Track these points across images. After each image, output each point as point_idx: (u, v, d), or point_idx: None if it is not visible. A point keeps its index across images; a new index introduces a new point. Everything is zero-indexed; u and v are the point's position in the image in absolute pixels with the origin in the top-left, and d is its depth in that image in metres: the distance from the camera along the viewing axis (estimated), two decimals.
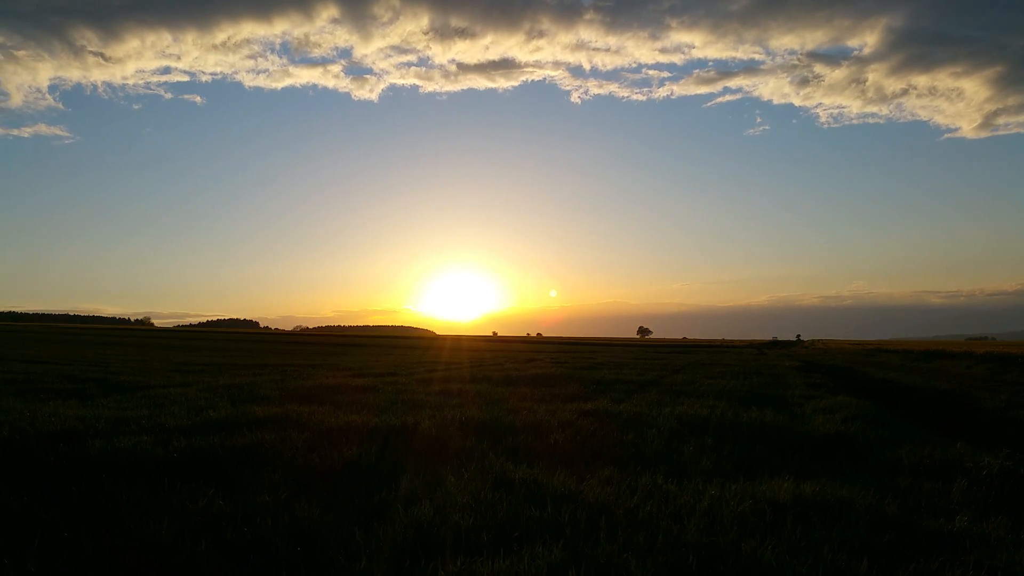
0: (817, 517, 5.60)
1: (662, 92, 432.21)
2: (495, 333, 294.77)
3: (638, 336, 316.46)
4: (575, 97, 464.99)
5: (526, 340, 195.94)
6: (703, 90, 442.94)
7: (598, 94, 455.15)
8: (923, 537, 5.34)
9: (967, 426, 13.53)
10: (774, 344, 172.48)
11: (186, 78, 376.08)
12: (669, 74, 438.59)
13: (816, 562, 4.55)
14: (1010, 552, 4.99)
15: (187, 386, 15.86)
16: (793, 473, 7.26)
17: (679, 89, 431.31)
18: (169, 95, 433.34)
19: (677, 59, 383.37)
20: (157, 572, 4.35)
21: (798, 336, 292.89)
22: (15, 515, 5.21)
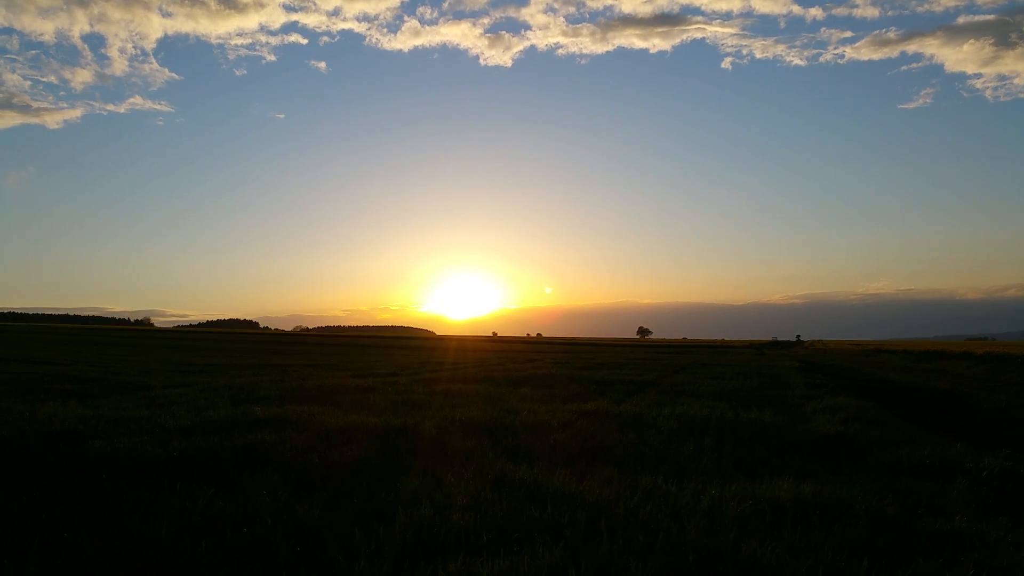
0: (817, 517, 5.60)
1: (830, 56, 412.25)
2: (495, 333, 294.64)
3: (638, 336, 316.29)
4: (726, 64, 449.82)
5: (526, 340, 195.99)
6: (877, 55, 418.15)
7: (760, 58, 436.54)
8: (923, 537, 5.34)
9: (967, 426, 13.52)
10: (774, 344, 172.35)
11: (304, 40, 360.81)
12: (851, 33, 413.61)
13: (816, 562, 4.55)
14: (1010, 552, 4.99)
15: (187, 386, 15.87)
16: (793, 473, 7.26)
17: (851, 52, 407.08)
18: (272, 57, 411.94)
19: (879, 12, 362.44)
20: (157, 572, 4.35)
21: (798, 336, 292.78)
22: (15, 515, 5.21)
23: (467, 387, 16.45)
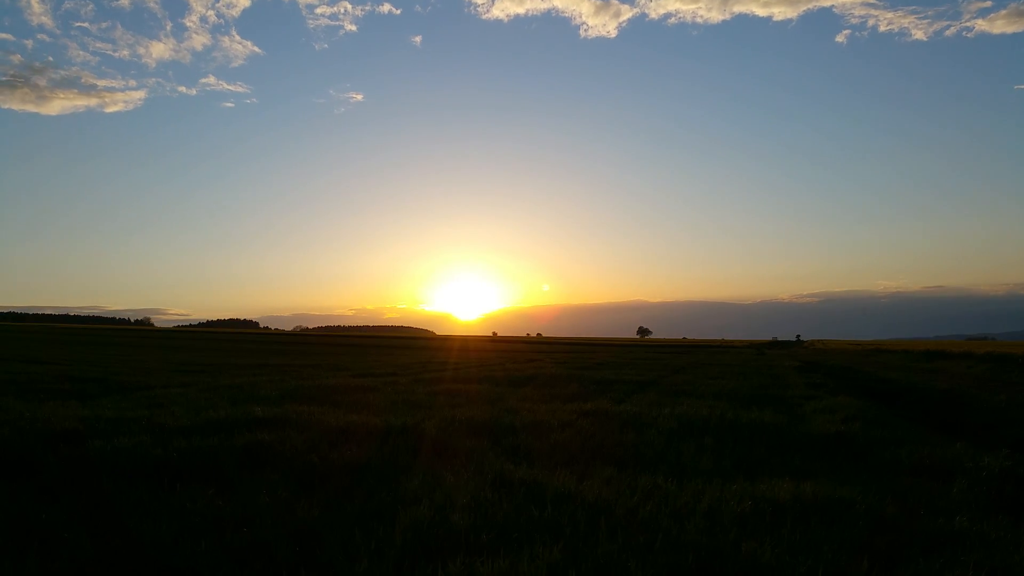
0: (817, 517, 5.60)
1: (957, 29, 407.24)
2: (495, 333, 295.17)
3: (638, 336, 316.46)
4: (841, 37, 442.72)
5: (526, 340, 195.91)
6: (1012, 28, 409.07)
7: (883, 32, 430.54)
8: (923, 537, 5.34)
9: (967, 426, 13.51)
10: (774, 344, 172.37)
11: (398, 10, 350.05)
12: (991, 2, 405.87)
13: (816, 562, 4.55)
14: (1010, 552, 4.99)
15: (187, 386, 15.86)
16: (793, 473, 7.26)
17: (983, 25, 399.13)
18: (353, 27, 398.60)
19: None
20: (157, 572, 4.35)
21: (798, 336, 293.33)
22: (15, 515, 5.21)
23: (468, 387, 16.45)
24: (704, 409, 12.12)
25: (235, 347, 62.86)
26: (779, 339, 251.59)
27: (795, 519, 5.52)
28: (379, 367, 27.74)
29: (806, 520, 5.53)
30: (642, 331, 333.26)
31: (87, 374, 19.81)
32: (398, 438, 8.61)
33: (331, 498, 5.93)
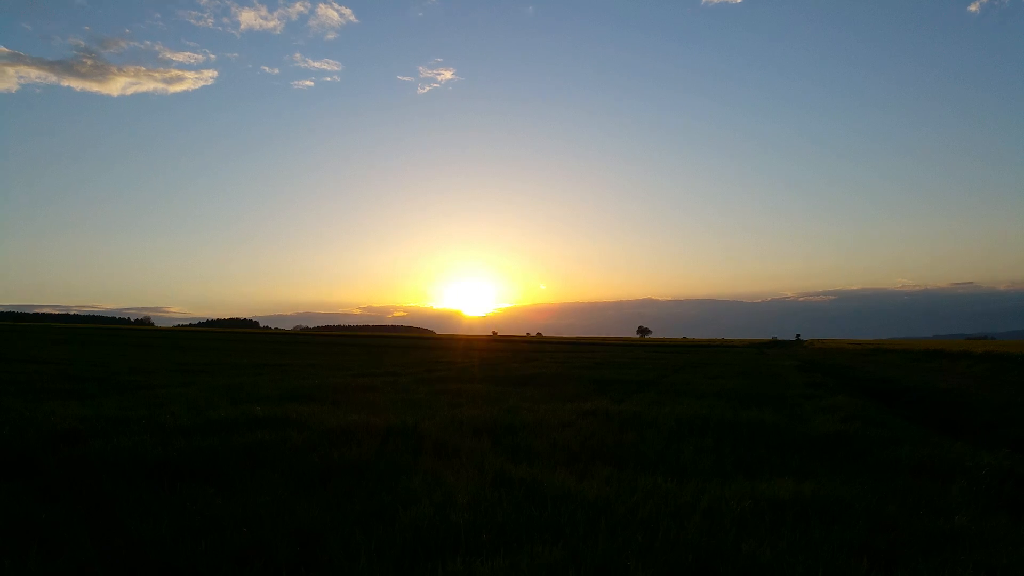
0: (817, 517, 5.61)
1: None
2: (495, 333, 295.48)
3: (638, 336, 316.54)
4: (975, 7, 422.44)
5: (527, 340, 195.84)
6: None
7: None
8: (923, 537, 5.35)
9: (967, 426, 13.53)
10: (774, 344, 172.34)
11: None
12: None
13: (816, 562, 4.56)
14: (1010, 552, 4.99)
15: (187, 386, 15.86)
16: (793, 473, 7.27)
17: None
18: None
19: None
20: (157, 572, 4.35)
21: (798, 336, 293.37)
22: (16, 515, 5.21)
23: (468, 387, 16.46)
24: (704, 409, 12.12)
25: (235, 347, 62.84)
26: (779, 339, 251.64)
27: (795, 519, 5.52)
28: (380, 366, 27.75)
29: (806, 520, 5.53)
30: (642, 331, 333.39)
31: (87, 373, 19.82)
32: (399, 438, 8.61)
33: (331, 497, 5.93)
